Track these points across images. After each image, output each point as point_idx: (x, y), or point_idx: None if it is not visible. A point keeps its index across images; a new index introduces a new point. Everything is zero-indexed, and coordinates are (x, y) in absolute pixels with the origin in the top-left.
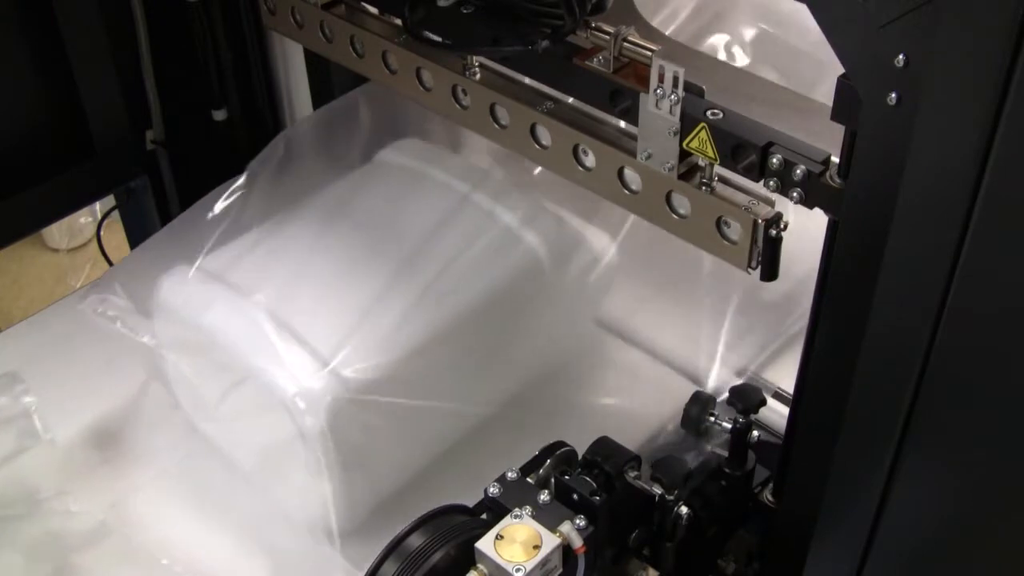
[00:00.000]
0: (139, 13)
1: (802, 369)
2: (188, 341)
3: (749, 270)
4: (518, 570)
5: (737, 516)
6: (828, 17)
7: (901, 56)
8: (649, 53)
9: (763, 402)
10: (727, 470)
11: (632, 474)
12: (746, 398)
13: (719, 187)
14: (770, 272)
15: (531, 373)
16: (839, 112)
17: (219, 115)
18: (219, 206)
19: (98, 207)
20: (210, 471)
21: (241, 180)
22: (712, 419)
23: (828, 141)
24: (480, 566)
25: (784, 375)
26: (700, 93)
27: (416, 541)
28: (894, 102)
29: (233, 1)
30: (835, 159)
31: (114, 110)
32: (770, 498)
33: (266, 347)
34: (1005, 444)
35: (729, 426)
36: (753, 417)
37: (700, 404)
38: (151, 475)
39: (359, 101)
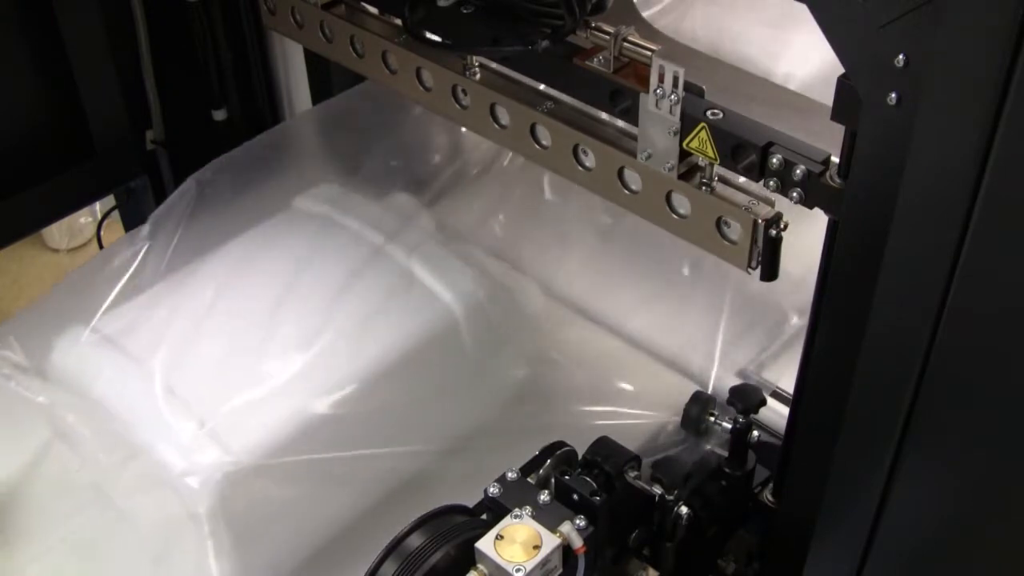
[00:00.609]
0: (139, 13)
1: (802, 369)
2: (83, 407)
3: (749, 270)
4: (518, 570)
5: (737, 516)
6: (828, 17)
7: (901, 56)
8: (649, 53)
9: (763, 402)
10: (727, 470)
11: (632, 474)
12: (746, 398)
13: (719, 187)
14: (770, 272)
15: (453, 430)
16: (839, 112)
17: (219, 115)
18: (120, 259)
19: (98, 207)
20: (113, 539)
21: (145, 230)
22: (712, 419)
23: (828, 141)
24: (480, 566)
25: (784, 375)
26: (700, 93)
27: (416, 541)
28: (894, 102)
29: (233, 1)
30: (835, 159)
31: (114, 110)
32: (770, 498)
33: (155, 420)
34: (1005, 444)
35: (729, 426)
36: (753, 417)
37: (700, 404)
38: (51, 543)
39: (281, 141)
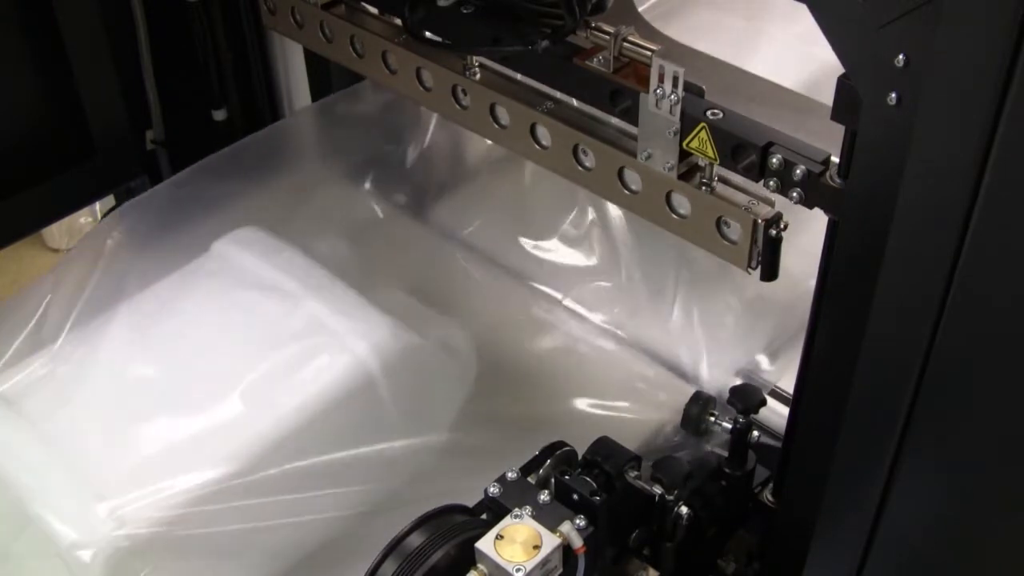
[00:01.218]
0: (139, 13)
1: (802, 369)
2: None
3: (749, 270)
4: (518, 570)
5: (737, 516)
6: (828, 17)
7: (901, 56)
8: (649, 53)
9: (763, 402)
10: (727, 470)
11: (632, 474)
12: (746, 398)
13: (719, 187)
14: (770, 272)
15: (374, 487)
16: (839, 112)
17: (219, 115)
18: (24, 310)
19: (98, 207)
20: None
21: (48, 280)
22: (712, 419)
23: (828, 141)
24: (480, 566)
25: (784, 375)
26: (700, 93)
27: (416, 541)
28: (894, 102)
29: (233, 1)
30: (835, 159)
31: (114, 110)
32: (770, 498)
33: (48, 489)
34: (1005, 444)
35: (729, 426)
36: (753, 417)
37: (700, 404)
38: None
39: (203, 178)
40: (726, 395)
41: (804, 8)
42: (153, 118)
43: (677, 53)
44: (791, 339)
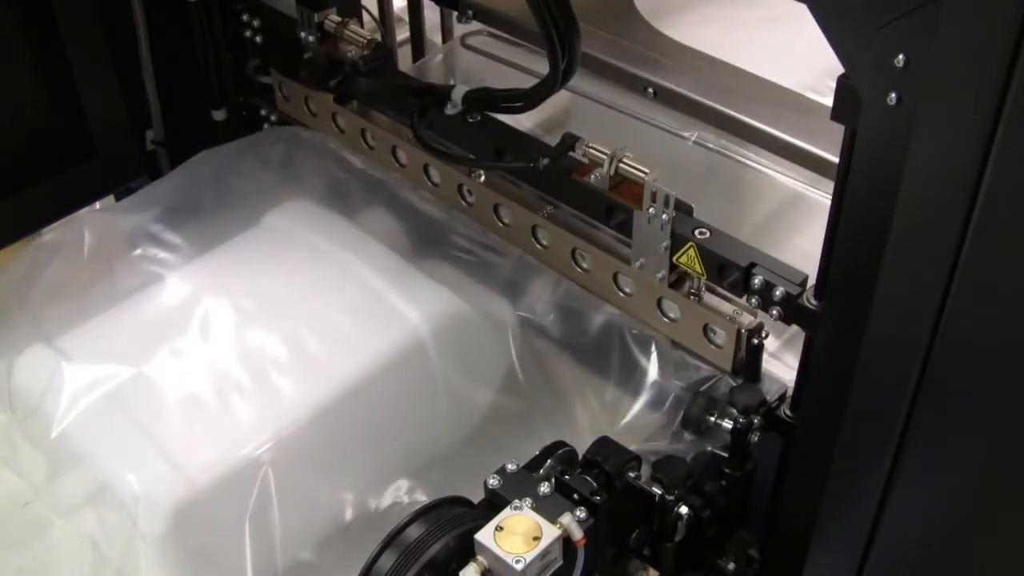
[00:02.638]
0: (139, 13)
1: (802, 369)
2: (37, 427)
3: (731, 377)
4: (518, 561)
5: (737, 516)
6: (828, 17)
7: (901, 56)
8: (642, 175)
9: (763, 402)
10: (727, 470)
11: (632, 474)
12: (746, 398)
13: (707, 297)
14: (752, 377)
15: (415, 459)
16: (839, 112)
17: (219, 115)
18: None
19: (98, 207)
20: (71, 565)
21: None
22: (712, 419)
23: (828, 141)
24: (480, 558)
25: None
26: (689, 211)
27: (415, 532)
28: (894, 102)
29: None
30: (812, 282)
31: (114, 110)
32: (788, 412)
33: (114, 446)
34: (1005, 444)
35: (729, 426)
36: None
37: (700, 404)
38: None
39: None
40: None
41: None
42: (153, 118)
43: (678, 53)
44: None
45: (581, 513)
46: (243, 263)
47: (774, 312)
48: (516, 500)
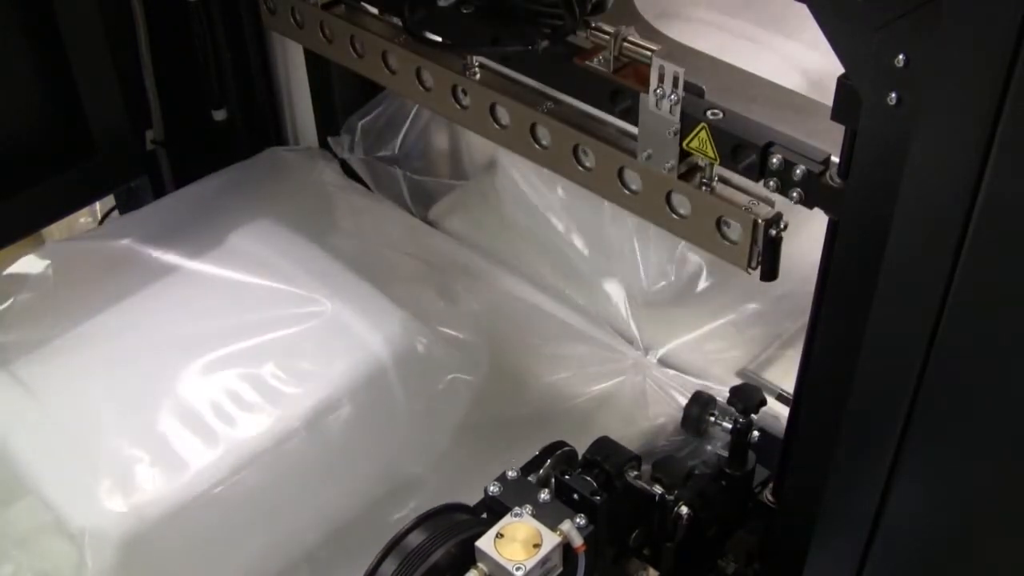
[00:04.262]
0: (139, 13)
1: (802, 369)
2: None
3: (749, 270)
4: (518, 569)
5: (737, 516)
6: (828, 17)
7: (901, 56)
8: (649, 53)
9: (763, 402)
10: (727, 470)
11: (632, 474)
12: (746, 398)
13: (719, 187)
14: (770, 272)
15: (375, 490)
16: (839, 112)
17: (219, 115)
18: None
19: (98, 207)
20: None
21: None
22: (712, 419)
23: (828, 141)
24: (480, 565)
25: (784, 375)
26: (700, 93)
27: (416, 539)
28: (894, 102)
29: (233, 1)
30: (835, 159)
31: (114, 110)
32: (770, 498)
33: (59, 473)
34: (1005, 444)
35: (729, 426)
36: (753, 417)
37: (700, 404)
38: None
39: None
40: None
41: None
42: (153, 118)
43: (678, 53)
44: (791, 339)
45: (581, 520)
46: (203, 288)
47: (794, 194)
48: (516, 507)
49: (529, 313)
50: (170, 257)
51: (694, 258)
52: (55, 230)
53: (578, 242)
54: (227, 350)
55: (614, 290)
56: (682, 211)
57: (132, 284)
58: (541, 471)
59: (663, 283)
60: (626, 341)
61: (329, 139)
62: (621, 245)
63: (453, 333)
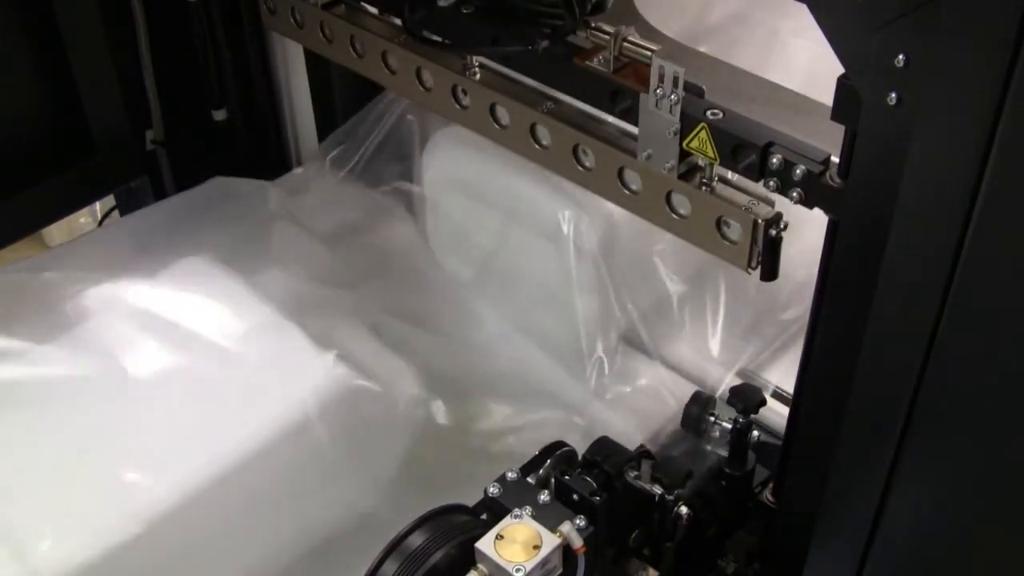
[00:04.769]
0: (139, 13)
1: (802, 369)
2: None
3: (749, 270)
4: (518, 570)
5: (737, 516)
6: (828, 17)
7: (901, 56)
8: (649, 53)
9: (763, 402)
10: (727, 470)
11: (632, 474)
12: (746, 398)
13: (719, 187)
14: (770, 272)
15: (310, 532)
16: (839, 112)
17: (219, 115)
18: None
19: (98, 207)
20: None
21: None
22: (712, 419)
23: (828, 141)
24: (480, 566)
25: (784, 375)
26: (700, 93)
27: (416, 541)
28: (894, 102)
29: (233, 1)
30: (835, 159)
31: (114, 110)
32: (770, 498)
33: None
34: (1005, 444)
35: (729, 426)
36: (753, 417)
37: (700, 404)
38: None
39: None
40: (726, 395)
41: None
42: (153, 118)
43: (678, 53)
44: (791, 339)
45: (581, 521)
46: (127, 329)
47: (794, 194)
48: (516, 508)
49: (471, 354)
50: (96, 294)
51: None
52: (55, 230)
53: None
54: (144, 396)
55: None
56: (682, 211)
57: (53, 321)
58: (541, 471)
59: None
60: (577, 379)
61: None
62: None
63: (389, 373)
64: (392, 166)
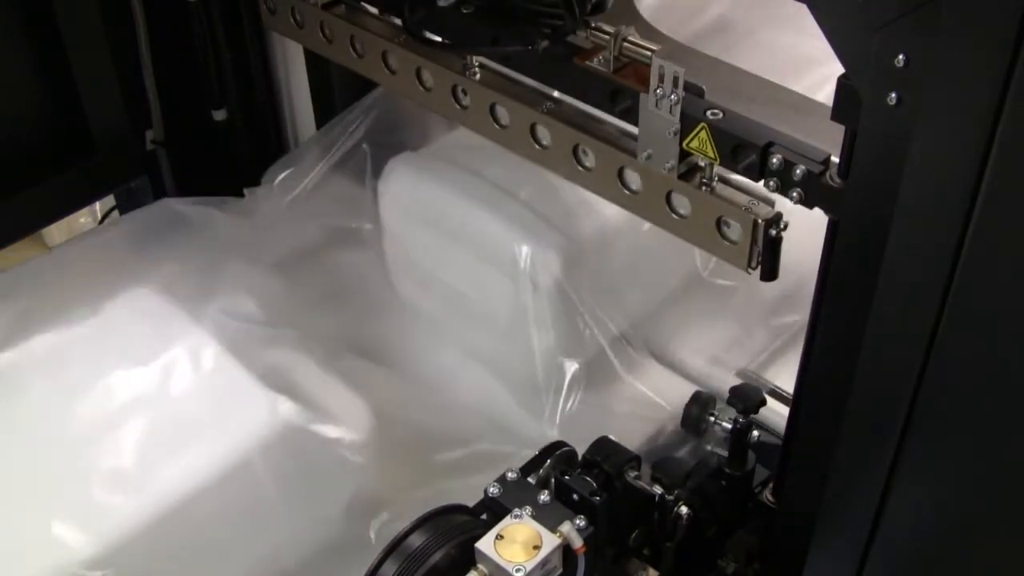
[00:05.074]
0: (139, 13)
1: (802, 369)
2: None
3: (749, 270)
4: (518, 570)
5: (737, 516)
6: (828, 17)
7: (901, 56)
8: (649, 53)
9: (763, 402)
10: (727, 470)
11: (632, 474)
12: (746, 398)
13: (719, 187)
14: (770, 272)
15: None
16: (839, 112)
17: (219, 115)
18: None
19: (98, 207)
20: None
21: None
22: (712, 419)
23: (828, 141)
24: (480, 566)
25: (784, 375)
26: (700, 93)
27: (416, 541)
28: (894, 102)
29: (233, 1)
30: (835, 159)
31: (114, 110)
32: (770, 498)
33: None
34: (1005, 444)
35: (729, 426)
36: (753, 417)
37: (700, 404)
38: None
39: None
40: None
41: None
42: (153, 118)
43: (678, 53)
44: (791, 339)
45: (581, 521)
46: (62, 366)
47: (794, 194)
48: (516, 508)
49: (427, 387)
50: (31, 328)
51: None
52: (55, 230)
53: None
54: (80, 436)
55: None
56: (682, 211)
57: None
58: (541, 471)
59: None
60: (532, 414)
61: (245, 190)
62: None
63: (339, 408)
64: (346, 192)
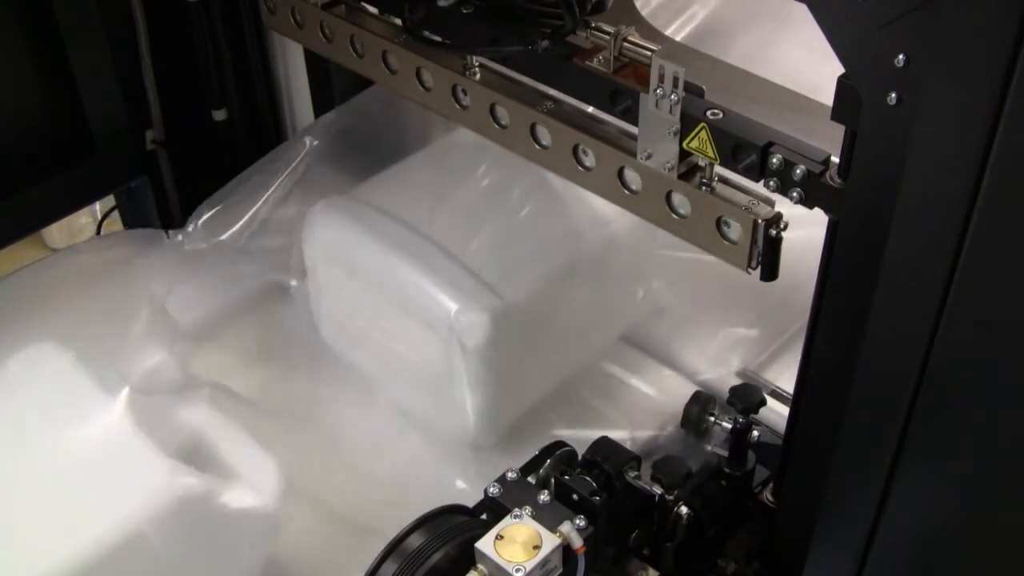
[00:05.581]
0: (139, 13)
1: (802, 369)
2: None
3: (749, 270)
4: (518, 570)
5: (737, 516)
6: (828, 17)
7: (901, 56)
8: (649, 53)
9: (763, 402)
10: (727, 470)
11: (632, 474)
12: (746, 398)
13: (719, 187)
14: (770, 272)
15: None
16: (839, 112)
17: (219, 115)
18: None
19: (98, 207)
20: None
21: None
22: (712, 419)
23: (828, 141)
24: (480, 566)
25: (784, 375)
26: (700, 93)
27: (416, 541)
28: (894, 102)
29: (233, 1)
30: (835, 159)
31: (114, 110)
32: (770, 498)
33: None
34: (1004, 444)
35: (729, 426)
36: (753, 417)
37: (700, 404)
38: None
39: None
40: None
41: None
42: (153, 118)
43: (677, 53)
44: (791, 339)
45: (581, 521)
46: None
47: (794, 194)
48: (516, 509)
49: (352, 445)
50: None
51: None
52: (55, 230)
53: None
54: None
55: None
56: (682, 211)
57: None
58: (541, 471)
59: None
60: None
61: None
62: None
63: (250, 471)
64: (275, 239)
